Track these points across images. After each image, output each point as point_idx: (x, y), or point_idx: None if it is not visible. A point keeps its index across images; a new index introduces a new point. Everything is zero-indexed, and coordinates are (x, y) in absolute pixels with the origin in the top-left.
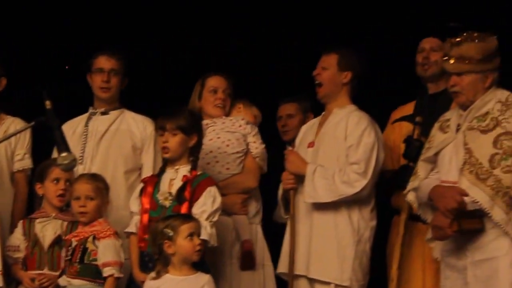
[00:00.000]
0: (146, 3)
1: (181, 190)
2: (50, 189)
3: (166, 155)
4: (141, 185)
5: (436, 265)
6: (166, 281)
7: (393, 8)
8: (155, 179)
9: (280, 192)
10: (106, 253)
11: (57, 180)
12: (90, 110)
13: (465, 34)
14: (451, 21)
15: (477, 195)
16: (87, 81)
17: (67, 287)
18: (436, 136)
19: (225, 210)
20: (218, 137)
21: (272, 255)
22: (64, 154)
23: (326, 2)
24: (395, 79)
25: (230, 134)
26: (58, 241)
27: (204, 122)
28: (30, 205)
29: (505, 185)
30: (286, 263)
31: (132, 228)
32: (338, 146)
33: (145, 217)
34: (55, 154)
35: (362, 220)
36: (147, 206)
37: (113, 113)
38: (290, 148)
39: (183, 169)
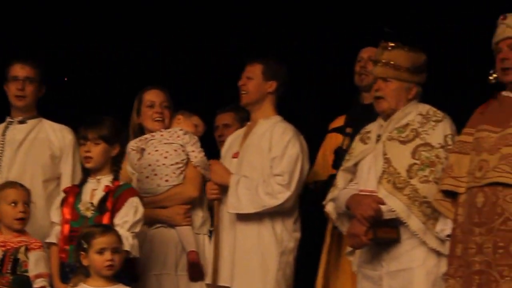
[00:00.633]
0: (70, 11)
1: (103, 200)
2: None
3: (89, 165)
4: (62, 195)
5: None
6: None
7: (333, 16)
8: (76, 189)
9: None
10: (38, 264)
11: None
12: (7, 119)
13: (398, 42)
14: (386, 27)
15: (394, 203)
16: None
17: None
18: (357, 147)
19: (168, 222)
20: (156, 150)
21: None
22: None
23: (260, 14)
24: (335, 89)
25: (167, 145)
26: None
27: (144, 137)
28: None
29: (421, 195)
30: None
31: (52, 239)
32: (263, 157)
33: (66, 228)
34: None
35: (286, 232)
36: (68, 216)
37: (31, 122)
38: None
39: (105, 179)
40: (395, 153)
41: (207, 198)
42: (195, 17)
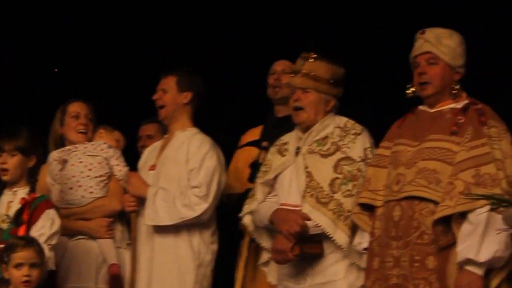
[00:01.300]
0: None
1: (19, 212)
2: None
3: (5, 178)
4: None
5: None
6: None
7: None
8: None
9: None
10: None
11: None
12: None
13: (319, 53)
14: (309, 38)
15: (320, 219)
16: None
17: None
18: (274, 159)
19: (90, 234)
20: (80, 162)
21: None
22: None
23: (171, 28)
24: (247, 101)
25: (92, 158)
26: None
27: (66, 148)
28: None
29: (346, 209)
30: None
31: None
32: (180, 169)
33: None
34: None
35: (203, 244)
36: None
37: None
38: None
39: (22, 191)
40: (317, 167)
41: (125, 210)
42: (120, 31)
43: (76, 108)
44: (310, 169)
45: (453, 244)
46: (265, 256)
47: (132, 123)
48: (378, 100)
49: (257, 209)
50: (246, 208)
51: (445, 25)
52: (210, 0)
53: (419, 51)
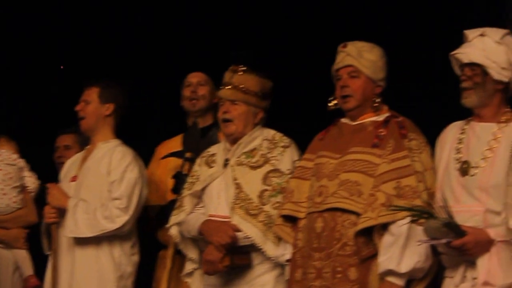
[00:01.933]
0: None
1: None
2: None
3: None
4: None
5: None
6: None
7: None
8: None
9: (43, 226)
10: None
11: None
12: None
13: (248, 65)
14: (238, 50)
15: (250, 230)
16: None
17: None
18: (201, 171)
19: (9, 243)
20: (0, 170)
21: None
22: None
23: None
24: (161, 112)
25: (10, 166)
26: None
27: None
28: None
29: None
30: None
31: None
32: (101, 181)
33: None
34: None
35: (124, 256)
36: None
37: None
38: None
39: None
40: (246, 178)
41: (45, 222)
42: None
43: None
44: (239, 181)
45: (374, 255)
46: (189, 267)
47: (47, 134)
48: (303, 113)
49: (185, 220)
50: (173, 219)
51: (367, 39)
52: (117, 14)
53: (341, 64)
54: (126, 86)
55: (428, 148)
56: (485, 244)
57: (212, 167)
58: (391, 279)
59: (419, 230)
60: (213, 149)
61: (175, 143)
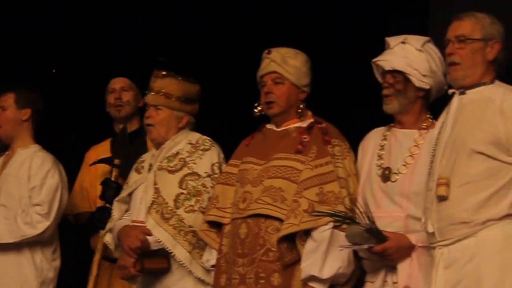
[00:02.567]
0: None
1: None
2: None
3: None
4: None
5: None
6: None
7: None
8: None
9: None
10: None
11: None
12: None
13: (171, 70)
14: (160, 56)
15: (160, 234)
16: None
17: None
18: (132, 177)
19: None
20: None
21: None
22: None
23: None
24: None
25: None
26: None
27: None
28: None
29: (187, 224)
30: None
31: None
32: (21, 187)
33: None
34: None
35: (46, 261)
36: None
37: None
38: None
39: None
40: (164, 182)
41: None
42: None
43: None
44: (158, 185)
45: (297, 261)
46: None
47: None
48: (235, 117)
49: (114, 226)
50: (107, 226)
51: (291, 45)
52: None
53: (265, 70)
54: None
55: (351, 154)
56: (406, 250)
57: (141, 173)
58: (313, 284)
59: (341, 235)
60: (145, 156)
61: (104, 148)
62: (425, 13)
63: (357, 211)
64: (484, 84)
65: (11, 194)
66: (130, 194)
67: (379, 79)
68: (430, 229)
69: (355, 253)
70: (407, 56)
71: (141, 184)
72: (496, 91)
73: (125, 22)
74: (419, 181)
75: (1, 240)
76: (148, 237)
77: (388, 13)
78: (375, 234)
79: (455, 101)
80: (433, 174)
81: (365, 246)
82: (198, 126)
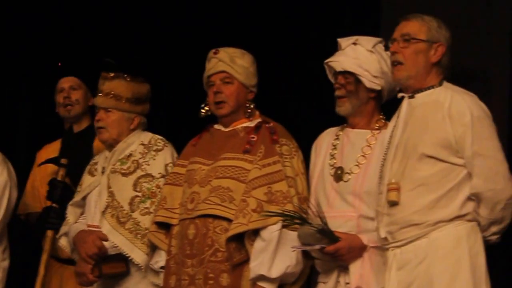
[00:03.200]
0: None
1: None
2: None
3: None
4: None
5: None
6: None
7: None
8: None
9: None
10: None
11: None
12: None
13: (119, 71)
14: (107, 57)
15: (117, 239)
16: None
17: None
18: (85, 180)
19: None
20: None
21: None
22: None
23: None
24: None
25: None
26: None
27: None
28: None
29: (143, 227)
30: None
31: None
32: None
33: None
34: None
35: None
36: None
37: None
38: None
39: None
40: (118, 186)
41: None
42: None
43: None
44: (112, 189)
45: (246, 261)
46: None
47: None
48: (187, 116)
49: (69, 230)
50: (62, 229)
51: (239, 45)
52: None
53: (213, 70)
54: None
55: (299, 153)
56: (358, 250)
57: (94, 176)
58: (262, 284)
59: (290, 235)
60: (97, 158)
61: (54, 148)
62: (378, 14)
63: (309, 211)
64: (432, 87)
65: None
66: (84, 198)
67: (332, 80)
68: (383, 235)
69: (306, 253)
70: (358, 57)
71: (95, 188)
72: (444, 94)
73: (73, 21)
74: (371, 181)
75: None
76: (105, 243)
77: (341, 13)
78: (326, 234)
79: (405, 104)
80: (384, 178)
81: (317, 247)
82: (151, 125)
